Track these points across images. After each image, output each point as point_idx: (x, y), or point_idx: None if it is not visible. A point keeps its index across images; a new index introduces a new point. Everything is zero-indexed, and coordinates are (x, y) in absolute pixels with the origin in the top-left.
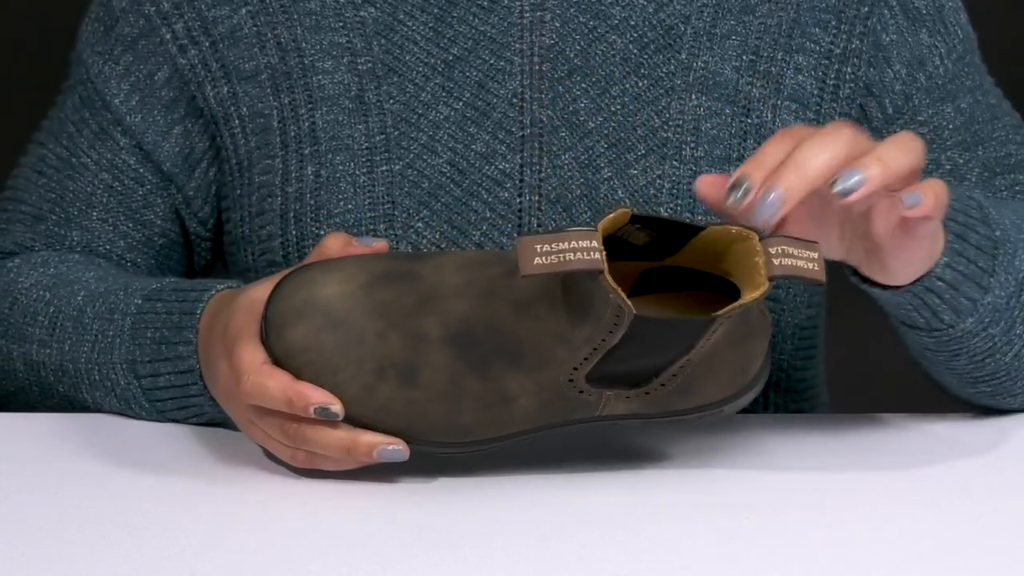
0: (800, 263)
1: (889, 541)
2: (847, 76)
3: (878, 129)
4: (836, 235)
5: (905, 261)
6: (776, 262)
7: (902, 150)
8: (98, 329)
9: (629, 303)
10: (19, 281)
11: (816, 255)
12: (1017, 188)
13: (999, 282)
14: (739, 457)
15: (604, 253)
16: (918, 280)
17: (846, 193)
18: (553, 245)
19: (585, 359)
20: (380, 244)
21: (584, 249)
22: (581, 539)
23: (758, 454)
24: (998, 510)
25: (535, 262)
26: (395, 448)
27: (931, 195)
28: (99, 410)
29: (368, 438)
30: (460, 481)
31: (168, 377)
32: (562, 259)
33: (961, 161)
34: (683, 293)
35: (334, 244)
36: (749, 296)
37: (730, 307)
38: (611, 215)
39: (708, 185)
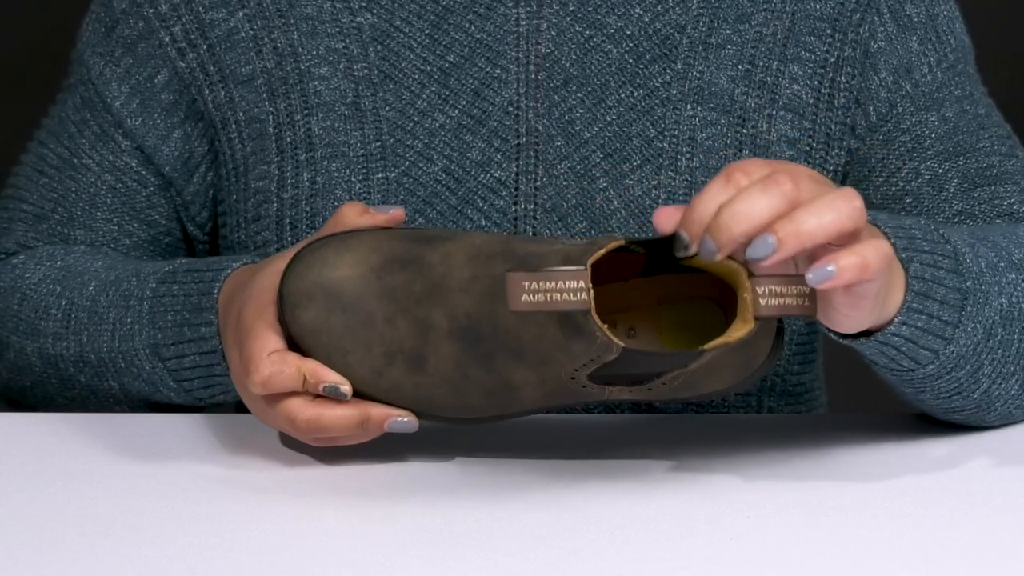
0: (788, 301)
1: (889, 541)
2: (841, 85)
3: (861, 137)
4: None
5: (848, 316)
6: (763, 302)
7: (827, 211)
8: (115, 317)
9: (617, 342)
10: (26, 277)
11: (806, 289)
12: (996, 202)
13: (965, 332)
14: (739, 457)
15: (592, 292)
16: (873, 333)
17: (756, 260)
18: (540, 284)
19: (584, 365)
20: (397, 212)
21: (571, 290)
22: (581, 539)
23: (758, 454)
24: (998, 510)
25: (523, 299)
26: (406, 420)
27: (852, 264)
28: (125, 397)
29: (379, 411)
30: (460, 481)
31: (193, 358)
32: (549, 299)
33: (940, 171)
34: (694, 275)
35: (350, 212)
36: (736, 333)
37: (717, 342)
38: (603, 248)
39: (667, 217)
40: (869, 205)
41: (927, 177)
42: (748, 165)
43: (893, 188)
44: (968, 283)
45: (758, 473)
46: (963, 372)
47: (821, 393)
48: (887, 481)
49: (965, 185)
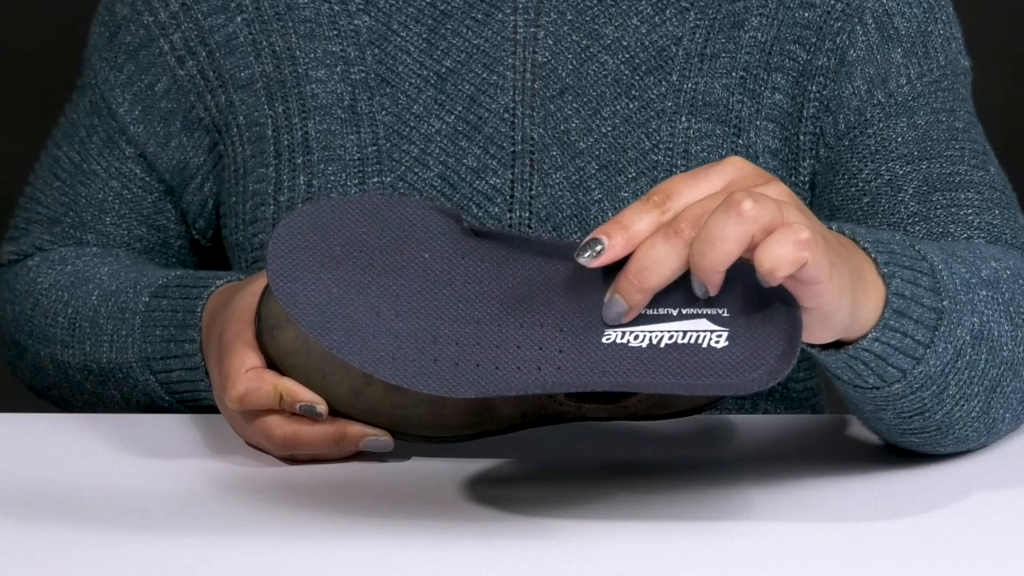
0: None
1: (889, 541)
2: (811, 94)
3: (831, 145)
4: None
5: (816, 313)
6: None
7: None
8: (112, 329)
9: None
10: (38, 281)
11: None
12: (953, 209)
13: (935, 353)
14: (739, 457)
15: None
16: (843, 346)
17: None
18: None
19: None
20: None
21: None
22: (581, 539)
23: (758, 454)
24: (998, 509)
25: None
26: (382, 440)
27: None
28: (127, 405)
29: (356, 429)
30: (460, 481)
31: (179, 373)
32: None
33: (901, 172)
34: None
35: None
36: None
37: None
38: None
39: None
40: (830, 206)
41: (886, 178)
42: (671, 187)
43: (852, 189)
44: (944, 303)
45: (758, 473)
46: (928, 392)
47: (822, 397)
48: (887, 481)
49: (924, 188)
